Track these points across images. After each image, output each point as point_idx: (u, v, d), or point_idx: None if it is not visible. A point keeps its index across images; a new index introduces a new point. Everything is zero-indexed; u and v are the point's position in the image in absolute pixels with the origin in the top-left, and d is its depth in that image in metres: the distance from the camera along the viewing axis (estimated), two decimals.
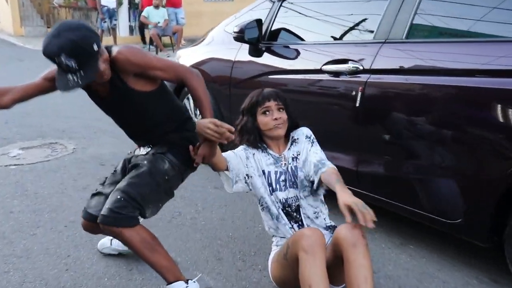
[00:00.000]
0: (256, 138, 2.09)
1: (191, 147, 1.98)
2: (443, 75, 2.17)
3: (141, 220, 1.92)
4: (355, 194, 1.79)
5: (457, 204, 2.16)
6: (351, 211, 1.67)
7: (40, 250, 2.42)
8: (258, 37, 3.14)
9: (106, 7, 11.04)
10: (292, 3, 3.19)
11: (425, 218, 2.32)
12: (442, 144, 2.17)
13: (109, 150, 4.06)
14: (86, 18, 12.70)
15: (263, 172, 2.07)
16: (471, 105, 2.07)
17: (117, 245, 2.33)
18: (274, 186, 2.05)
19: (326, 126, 2.65)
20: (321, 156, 2.03)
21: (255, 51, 3.20)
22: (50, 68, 1.90)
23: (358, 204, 1.68)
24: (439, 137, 2.17)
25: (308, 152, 2.06)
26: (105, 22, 11.11)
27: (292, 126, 2.12)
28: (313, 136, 2.12)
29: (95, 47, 1.70)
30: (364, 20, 2.73)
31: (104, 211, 1.84)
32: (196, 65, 3.58)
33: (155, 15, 10.01)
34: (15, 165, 3.70)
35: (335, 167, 1.95)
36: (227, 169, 2.04)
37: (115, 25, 11.36)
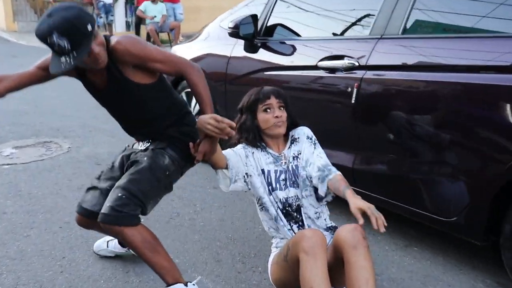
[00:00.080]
0: (256, 137, 2.09)
1: (191, 144, 1.98)
2: (439, 71, 2.20)
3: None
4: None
5: (453, 202, 2.20)
6: (363, 215, 1.73)
7: (34, 251, 2.42)
8: (254, 33, 3.16)
9: (102, 3, 11.04)
10: None
11: (421, 216, 2.36)
12: (438, 142, 2.20)
13: (105, 149, 4.06)
14: None
15: (263, 171, 2.07)
16: (467, 102, 2.11)
17: (113, 247, 2.33)
18: (274, 185, 2.05)
19: (322, 123, 2.68)
20: (326, 160, 2.05)
21: (251, 47, 3.23)
22: (45, 57, 1.90)
23: (371, 207, 1.74)
24: (435, 135, 2.21)
25: (311, 155, 2.06)
26: (101, 17, 11.10)
27: (292, 125, 2.13)
28: (314, 137, 2.13)
29: (89, 27, 1.68)
30: (360, 15, 2.76)
31: (105, 209, 1.83)
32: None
33: (152, 10, 10.00)
34: (8, 164, 3.70)
35: (340, 173, 1.98)
36: (226, 168, 2.04)
37: (111, 20, 11.35)
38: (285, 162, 2.09)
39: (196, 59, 3.63)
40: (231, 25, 3.18)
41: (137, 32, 11.27)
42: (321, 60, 2.65)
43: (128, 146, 2.16)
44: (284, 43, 3.10)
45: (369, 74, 2.43)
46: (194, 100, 3.74)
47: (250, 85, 3.08)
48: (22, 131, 4.60)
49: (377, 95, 2.43)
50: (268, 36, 3.20)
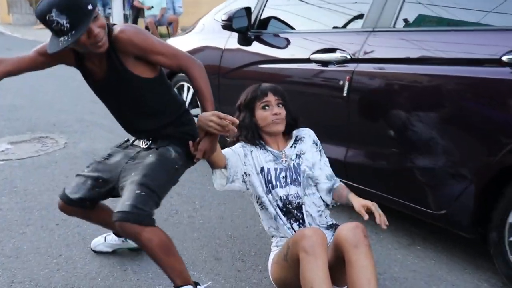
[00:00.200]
0: (254, 135, 2.10)
1: (190, 142, 1.98)
2: (430, 64, 2.25)
3: None
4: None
5: (442, 195, 2.26)
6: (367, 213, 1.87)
7: (30, 249, 2.43)
8: (247, 26, 3.20)
9: None
10: None
11: (410, 208, 2.43)
12: (428, 135, 2.26)
13: (102, 144, 4.06)
14: None
15: (262, 169, 2.07)
16: (457, 95, 2.16)
17: (111, 239, 2.34)
18: (274, 183, 2.06)
19: (315, 116, 2.72)
20: (330, 169, 2.16)
21: (244, 40, 3.27)
22: (44, 43, 1.89)
23: (375, 204, 1.89)
24: (425, 128, 2.26)
25: (318, 161, 2.14)
26: (98, 10, 11.09)
27: (291, 122, 2.14)
28: (319, 142, 2.19)
29: (90, 7, 1.67)
30: (353, 8, 2.81)
31: (125, 207, 1.75)
32: None
33: (151, 2, 9.99)
34: (3, 160, 3.70)
35: (342, 184, 2.14)
36: (225, 167, 2.05)
37: (109, 13, 11.34)
38: (286, 160, 2.10)
39: (191, 52, 3.63)
40: (224, 17, 3.22)
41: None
42: (314, 53, 2.71)
43: (128, 141, 2.15)
44: (277, 36, 3.15)
45: (361, 67, 2.49)
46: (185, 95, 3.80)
47: (243, 79, 3.17)
48: (17, 126, 4.61)
49: (369, 88, 2.50)
50: (262, 29, 3.25)
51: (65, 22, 1.64)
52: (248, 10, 3.20)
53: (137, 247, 2.35)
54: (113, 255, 2.38)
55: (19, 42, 10.88)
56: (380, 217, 1.84)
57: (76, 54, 1.89)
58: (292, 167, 2.09)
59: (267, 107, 2.08)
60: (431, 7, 2.41)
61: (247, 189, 2.11)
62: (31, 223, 2.70)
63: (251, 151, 2.10)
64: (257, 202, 2.13)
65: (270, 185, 2.06)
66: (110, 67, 1.86)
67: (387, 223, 1.84)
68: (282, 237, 2.05)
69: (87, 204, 2.06)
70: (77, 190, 2.03)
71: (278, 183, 2.06)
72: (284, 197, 2.04)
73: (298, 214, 2.04)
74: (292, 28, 3.17)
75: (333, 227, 2.06)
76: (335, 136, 2.66)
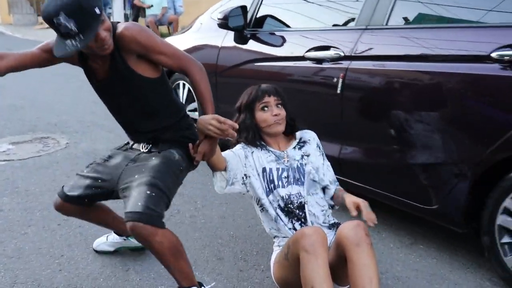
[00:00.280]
0: (255, 136, 2.11)
1: (190, 145, 1.98)
2: (422, 61, 2.29)
3: None
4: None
5: (434, 190, 2.30)
6: (358, 211, 1.91)
7: (32, 249, 2.44)
8: (243, 24, 3.24)
9: None
10: None
11: (404, 204, 2.48)
12: (420, 131, 2.29)
13: (103, 145, 4.07)
14: None
15: (264, 169, 2.08)
16: (448, 91, 2.18)
17: (113, 238, 2.35)
18: (276, 183, 2.06)
19: (310, 113, 2.75)
20: (333, 173, 2.20)
21: (240, 38, 3.31)
22: (49, 39, 1.90)
23: (365, 202, 1.91)
24: (417, 124, 2.30)
25: (321, 165, 2.16)
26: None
27: (290, 122, 2.16)
28: (321, 146, 2.22)
29: (97, 10, 1.67)
30: (347, 6, 2.84)
31: (137, 207, 1.74)
32: None
33: (153, 2, 9.99)
34: (5, 160, 3.72)
35: (340, 187, 2.19)
36: (225, 170, 2.05)
37: (109, 13, 11.34)
38: (288, 160, 2.10)
39: (188, 51, 3.69)
40: (220, 16, 3.26)
41: None
42: (308, 50, 2.75)
43: (128, 143, 2.14)
44: (273, 34, 3.19)
45: (354, 64, 2.52)
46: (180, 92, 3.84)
47: (239, 77, 3.24)
48: (18, 126, 4.62)
49: (362, 85, 2.53)
50: (258, 27, 3.28)
51: (72, 26, 1.63)
52: (244, 8, 3.24)
53: (139, 246, 2.36)
54: (115, 255, 2.38)
55: (20, 42, 10.90)
56: (368, 215, 1.85)
57: (80, 53, 1.89)
58: (295, 167, 2.09)
59: (266, 108, 2.08)
60: (422, 5, 2.44)
61: (247, 191, 2.11)
62: (32, 223, 2.71)
63: (252, 152, 2.11)
64: (257, 204, 2.13)
65: (272, 185, 2.07)
66: (112, 65, 1.86)
67: (375, 222, 1.85)
68: (284, 237, 2.05)
69: (85, 202, 2.06)
70: (75, 188, 2.03)
71: (280, 183, 2.07)
72: (286, 197, 2.05)
73: (300, 214, 2.05)
74: (287, 26, 3.21)
75: (335, 226, 2.06)
76: (329, 133, 2.69)
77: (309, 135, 2.22)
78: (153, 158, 1.95)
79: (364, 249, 1.71)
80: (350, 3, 2.78)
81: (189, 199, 3.07)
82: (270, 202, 2.06)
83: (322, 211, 2.07)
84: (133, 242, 2.32)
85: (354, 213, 1.88)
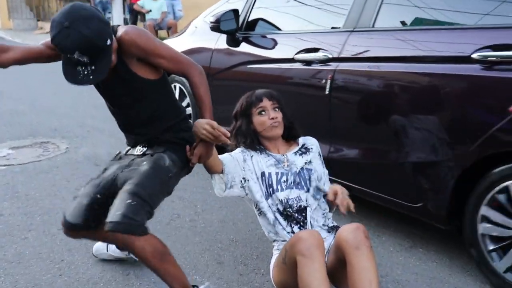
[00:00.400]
0: (254, 141, 2.12)
1: (187, 147, 1.99)
2: (406, 61, 2.35)
3: None
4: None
5: (418, 188, 2.36)
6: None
7: (32, 254, 2.44)
8: (235, 28, 3.30)
9: None
10: None
11: (389, 202, 2.53)
12: (405, 131, 2.35)
13: (103, 149, 4.07)
14: None
15: (263, 173, 2.08)
16: (431, 91, 2.25)
17: (113, 251, 2.33)
18: (275, 187, 2.07)
19: (300, 114, 2.76)
20: (329, 181, 2.22)
21: (233, 41, 3.38)
22: None
23: (343, 190, 1.95)
24: (401, 123, 2.36)
25: (322, 174, 2.18)
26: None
27: (289, 125, 2.16)
28: (322, 155, 2.25)
29: (108, 42, 1.70)
30: (336, 9, 2.90)
31: (116, 217, 1.74)
32: None
33: (152, 7, 10.01)
34: (5, 165, 3.72)
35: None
36: (222, 172, 2.05)
37: (109, 18, 11.36)
38: (287, 164, 2.11)
39: (183, 53, 3.74)
40: (212, 19, 3.33)
41: None
42: (298, 53, 2.81)
43: (120, 153, 2.13)
44: (264, 37, 3.25)
45: (342, 66, 2.58)
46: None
47: (232, 79, 3.32)
48: (18, 131, 4.62)
49: (349, 86, 2.59)
50: (250, 30, 3.35)
51: (85, 59, 1.67)
52: (235, 12, 3.30)
53: None
54: (115, 260, 2.38)
55: None
56: (342, 201, 1.88)
57: None
58: (296, 171, 2.10)
59: (263, 112, 2.09)
60: (407, 8, 2.51)
61: (246, 194, 2.11)
62: (33, 228, 2.71)
63: (252, 156, 2.11)
64: (255, 208, 2.13)
65: (271, 189, 2.07)
66: (114, 68, 1.86)
67: (352, 210, 1.88)
68: (283, 241, 2.05)
69: (92, 225, 1.96)
70: (78, 214, 1.95)
71: (279, 186, 2.07)
72: (285, 201, 2.05)
73: (299, 217, 2.05)
74: (278, 29, 3.27)
75: (334, 229, 2.06)
76: (319, 133, 2.69)
77: (312, 142, 2.22)
78: (144, 162, 1.95)
79: (363, 252, 1.71)
80: (339, 6, 2.84)
81: (189, 204, 3.07)
82: (269, 206, 2.06)
83: (323, 214, 2.08)
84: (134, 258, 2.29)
85: (331, 197, 1.92)
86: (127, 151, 2.12)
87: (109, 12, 11.38)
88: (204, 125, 1.83)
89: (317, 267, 1.68)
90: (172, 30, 10.48)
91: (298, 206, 2.05)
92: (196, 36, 3.90)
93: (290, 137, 2.20)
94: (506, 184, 2.04)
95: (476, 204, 2.15)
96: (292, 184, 2.07)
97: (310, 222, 2.04)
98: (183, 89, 3.87)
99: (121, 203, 1.78)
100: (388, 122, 2.42)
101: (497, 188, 2.07)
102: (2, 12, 14.48)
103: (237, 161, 2.08)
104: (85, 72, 1.68)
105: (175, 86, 3.91)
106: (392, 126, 2.40)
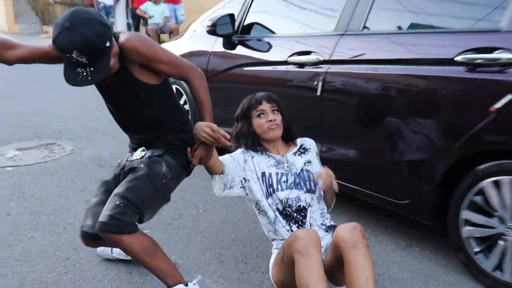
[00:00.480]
0: (254, 142, 2.15)
1: (188, 149, 2.03)
2: (393, 64, 2.41)
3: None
4: None
5: (405, 185, 2.43)
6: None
7: (39, 253, 2.47)
8: (232, 31, 3.37)
9: (102, 4, 11.08)
10: None
11: (377, 199, 2.59)
12: (392, 130, 2.41)
13: (108, 151, 4.11)
14: None
15: (263, 174, 2.11)
16: (418, 91, 2.32)
17: (118, 253, 2.35)
18: (275, 187, 2.10)
19: (293, 115, 2.83)
20: None
21: (229, 44, 3.44)
22: None
23: (328, 172, 2.04)
24: (388, 123, 2.42)
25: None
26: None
27: (288, 127, 2.20)
28: (319, 155, 2.29)
29: (108, 44, 1.71)
30: (328, 13, 2.97)
31: (103, 217, 1.82)
32: None
33: (154, 11, 10.05)
34: (12, 166, 3.75)
35: None
36: (222, 173, 2.09)
37: (112, 22, 11.40)
38: (287, 165, 2.14)
39: (181, 56, 3.80)
40: (209, 23, 3.40)
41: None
42: (291, 55, 2.87)
43: (121, 161, 2.16)
44: (259, 40, 3.31)
45: (333, 68, 2.65)
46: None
47: (228, 82, 3.39)
48: (25, 133, 4.65)
49: (340, 87, 2.65)
50: (245, 33, 3.41)
51: (84, 60, 1.68)
52: (231, 16, 3.37)
53: None
54: (119, 259, 2.40)
55: None
56: (326, 180, 1.98)
57: None
58: (295, 172, 2.13)
59: (262, 115, 2.14)
60: (394, 13, 2.60)
61: (246, 194, 2.14)
62: (39, 227, 2.74)
63: (252, 157, 2.15)
64: (255, 207, 2.16)
65: (271, 189, 2.10)
66: (117, 74, 1.89)
67: (336, 190, 2.01)
68: (282, 240, 2.08)
69: None
70: (94, 223, 1.96)
71: (279, 186, 2.10)
72: (285, 200, 2.08)
73: (298, 217, 2.07)
74: (273, 32, 3.33)
75: (331, 228, 2.09)
76: (311, 132, 2.74)
77: (309, 143, 2.26)
78: (141, 165, 1.97)
79: (360, 251, 1.73)
80: (330, 11, 2.90)
81: (191, 204, 3.10)
82: (269, 205, 2.09)
83: (321, 213, 2.11)
84: None
85: (316, 177, 2.04)
86: (127, 158, 2.14)
87: (112, 17, 11.42)
88: (205, 128, 1.86)
89: (314, 265, 1.70)
90: (174, 34, 10.49)
91: (297, 206, 2.08)
92: (194, 40, 3.97)
93: (289, 138, 2.23)
94: (482, 185, 2.11)
95: (456, 208, 2.21)
96: (292, 184, 2.10)
97: (309, 221, 2.07)
98: (179, 88, 3.93)
99: (110, 204, 1.85)
100: (376, 122, 2.49)
101: (474, 190, 2.14)
102: (8, 16, 14.52)
103: (238, 162, 2.12)
104: (84, 73, 1.70)
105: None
106: (380, 126, 2.46)
